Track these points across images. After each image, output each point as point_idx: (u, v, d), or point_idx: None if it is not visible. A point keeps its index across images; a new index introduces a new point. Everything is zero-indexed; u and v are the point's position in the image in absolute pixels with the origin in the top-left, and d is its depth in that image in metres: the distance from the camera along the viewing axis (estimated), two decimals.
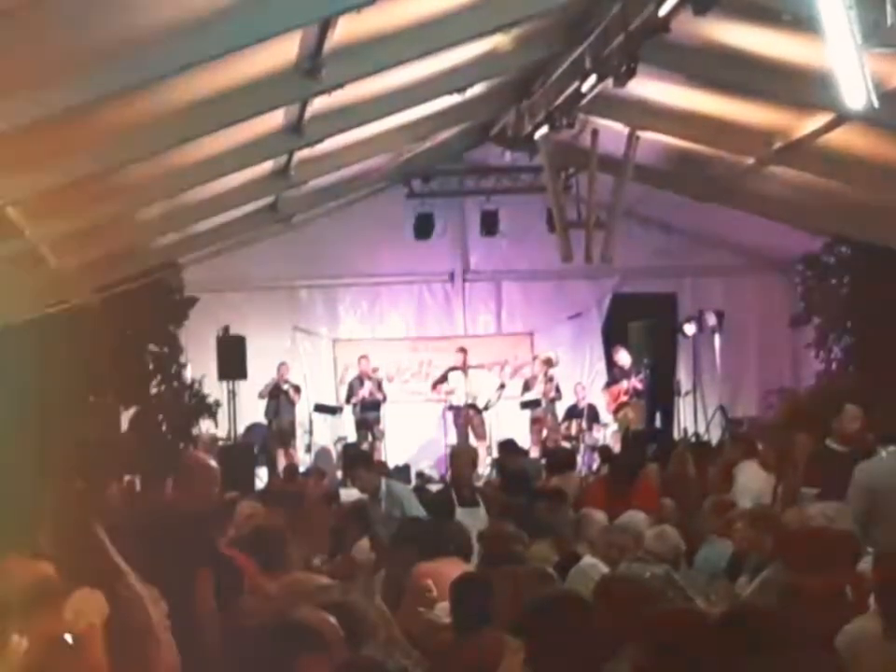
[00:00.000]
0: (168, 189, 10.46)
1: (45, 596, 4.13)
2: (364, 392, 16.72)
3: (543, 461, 13.32)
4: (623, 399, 16.42)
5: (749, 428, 14.38)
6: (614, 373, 16.82)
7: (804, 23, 7.90)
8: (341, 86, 8.96)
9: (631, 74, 9.74)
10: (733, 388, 17.27)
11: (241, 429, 16.03)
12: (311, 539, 8.30)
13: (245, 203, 12.64)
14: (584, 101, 11.31)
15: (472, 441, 16.16)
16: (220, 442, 15.17)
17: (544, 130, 12.58)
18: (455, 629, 5.47)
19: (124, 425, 14.42)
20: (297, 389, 16.72)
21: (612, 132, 13.35)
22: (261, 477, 15.33)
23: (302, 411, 16.93)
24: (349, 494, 11.20)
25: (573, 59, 10.70)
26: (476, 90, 11.62)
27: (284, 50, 8.12)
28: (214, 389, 15.19)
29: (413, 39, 8.82)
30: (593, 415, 16.76)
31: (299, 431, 16.88)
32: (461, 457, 9.76)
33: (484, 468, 14.92)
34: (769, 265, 17.72)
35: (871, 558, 5.43)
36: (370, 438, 16.47)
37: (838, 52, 7.20)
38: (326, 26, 7.79)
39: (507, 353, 18.09)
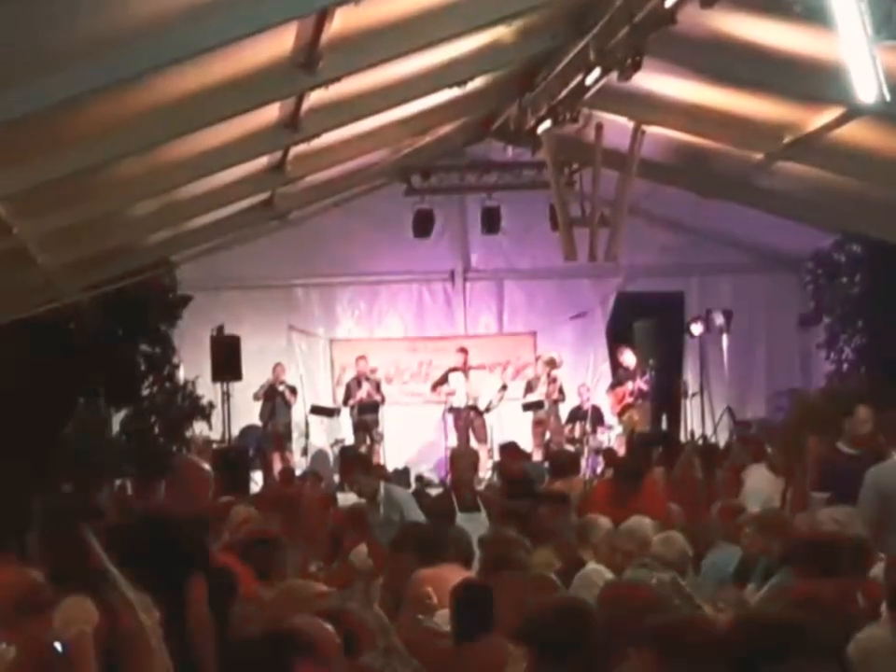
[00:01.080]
0: (160, 184, 10.45)
1: (34, 603, 4.13)
2: (362, 393, 16.73)
3: (546, 464, 13.31)
4: (629, 400, 16.43)
5: (757, 431, 14.36)
6: (619, 374, 16.82)
7: (814, 15, 7.90)
8: (338, 79, 8.95)
9: (636, 67, 9.74)
10: (741, 390, 17.29)
11: (235, 432, 16.03)
12: (307, 545, 8.32)
13: (239, 199, 12.62)
14: (588, 94, 11.31)
15: (473, 443, 16.17)
16: (214, 445, 15.17)
17: (547, 124, 12.57)
18: (455, 637, 5.47)
19: (115, 427, 14.43)
20: (293, 391, 16.73)
21: (617, 126, 13.35)
22: (256, 481, 15.34)
23: (299, 413, 16.94)
24: (346, 498, 11.21)
25: (577, 51, 10.69)
26: (477, 83, 11.61)
27: (279, 43, 8.11)
28: (207, 391, 15.18)
29: (412, 31, 8.81)
30: (597, 417, 16.77)
31: (295, 434, 16.89)
32: (462, 460, 9.77)
33: (486, 471, 14.94)
34: (778, 263, 17.72)
35: (883, 564, 5.44)
36: (368, 440, 16.48)
37: (849, 45, 7.20)
38: (322, 17, 7.79)
39: (509, 353, 18.10)
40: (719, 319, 16.07)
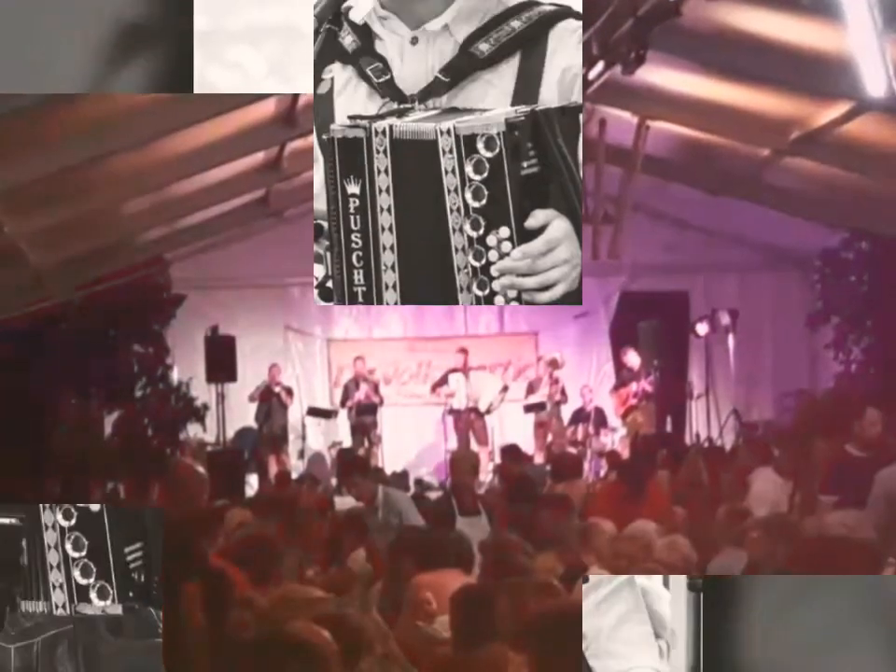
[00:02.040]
0: (154, 181, 10.46)
1: None
2: (360, 395, 16.74)
3: (548, 467, 13.31)
4: (632, 402, 16.44)
5: (764, 433, 14.38)
6: (623, 375, 16.82)
7: (822, 8, 7.90)
8: None
9: (640, 61, 9.73)
10: (747, 391, 17.28)
11: (230, 434, 16.03)
12: (304, 550, 8.31)
13: (234, 196, 12.64)
14: (591, 89, 11.30)
15: (473, 446, 16.18)
16: (209, 448, 15.17)
17: None
18: (455, 644, 5.47)
19: (108, 429, 14.43)
20: (289, 392, 16.73)
21: (621, 121, 13.34)
22: (252, 484, 15.33)
23: (295, 414, 16.95)
24: (344, 502, 11.21)
25: None
26: None
27: None
28: (202, 392, 15.19)
29: None
30: (600, 419, 16.77)
31: (291, 436, 16.90)
32: (462, 463, 9.76)
33: (486, 474, 14.94)
34: (785, 262, 17.71)
35: (892, 569, 5.44)
36: (366, 443, 16.49)
37: (858, 38, 7.21)
38: None
39: (510, 354, 18.10)
40: (725, 319, 16.05)
